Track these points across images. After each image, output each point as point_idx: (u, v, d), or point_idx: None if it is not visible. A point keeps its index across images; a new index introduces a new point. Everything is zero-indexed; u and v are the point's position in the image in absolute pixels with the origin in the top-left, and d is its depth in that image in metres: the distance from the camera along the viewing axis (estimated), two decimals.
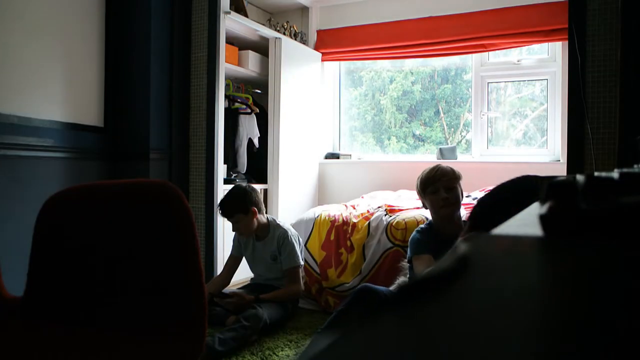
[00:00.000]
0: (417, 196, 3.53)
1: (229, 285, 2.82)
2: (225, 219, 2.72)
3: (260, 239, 2.71)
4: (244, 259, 2.84)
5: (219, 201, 2.69)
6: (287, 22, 4.10)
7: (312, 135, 4.19)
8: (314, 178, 4.22)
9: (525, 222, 0.52)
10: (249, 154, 3.84)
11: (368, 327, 0.23)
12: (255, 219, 2.62)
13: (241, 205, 2.57)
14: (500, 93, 4.00)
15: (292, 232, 2.73)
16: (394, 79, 4.39)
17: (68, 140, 2.72)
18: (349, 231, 2.94)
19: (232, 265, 2.81)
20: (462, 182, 3.75)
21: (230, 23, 3.41)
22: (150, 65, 3.00)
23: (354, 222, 2.95)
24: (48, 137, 2.61)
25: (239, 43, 3.82)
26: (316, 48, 4.30)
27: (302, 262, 2.73)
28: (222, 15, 3.23)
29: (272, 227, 2.70)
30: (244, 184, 3.15)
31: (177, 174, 3.19)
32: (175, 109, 3.17)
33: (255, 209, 2.61)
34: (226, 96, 3.60)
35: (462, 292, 0.27)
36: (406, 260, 2.36)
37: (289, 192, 3.86)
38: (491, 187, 3.11)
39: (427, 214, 2.91)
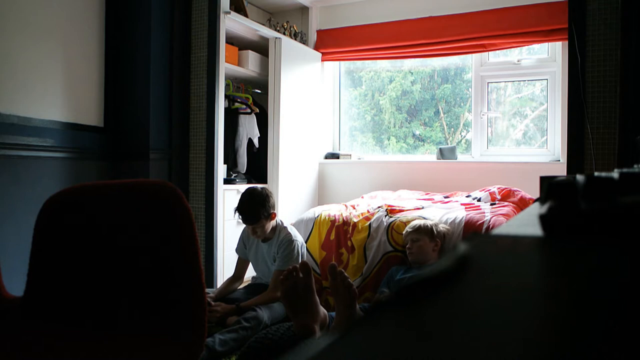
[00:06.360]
0: (416, 196, 3.56)
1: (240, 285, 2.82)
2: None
3: (267, 240, 2.69)
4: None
5: (237, 206, 2.58)
6: (287, 22, 4.10)
7: (312, 135, 4.19)
8: (314, 178, 4.22)
9: (525, 222, 0.52)
10: (249, 154, 3.84)
11: (368, 327, 0.23)
12: (273, 221, 2.62)
13: (266, 211, 2.55)
14: (500, 93, 4.00)
15: (299, 239, 2.70)
16: (394, 79, 4.39)
17: (68, 140, 2.72)
18: (350, 231, 2.94)
19: (240, 267, 2.80)
20: (460, 185, 3.74)
21: (230, 23, 3.41)
22: (150, 65, 2.99)
23: (355, 222, 2.95)
24: (48, 137, 2.61)
25: (239, 43, 3.82)
26: (316, 48, 4.30)
27: None
28: (222, 15, 3.23)
29: (278, 229, 2.68)
30: (247, 184, 3.13)
31: (177, 174, 3.19)
32: (175, 109, 3.17)
33: (275, 212, 2.61)
34: (226, 96, 3.60)
35: (462, 292, 0.27)
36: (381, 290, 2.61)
37: (289, 192, 3.86)
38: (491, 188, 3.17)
39: (426, 214, 2.92)
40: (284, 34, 3.93)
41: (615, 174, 0.44)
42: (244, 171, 3.81)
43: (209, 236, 3.18)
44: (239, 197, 2.67)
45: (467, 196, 3.39)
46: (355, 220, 2.97)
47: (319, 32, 4.36)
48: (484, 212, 2.87)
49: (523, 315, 0.24)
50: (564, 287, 0.28)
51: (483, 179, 3.64)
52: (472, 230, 2.67)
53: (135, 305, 1.33)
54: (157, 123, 3.05)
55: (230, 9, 3.34)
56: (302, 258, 2.64)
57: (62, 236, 1.46)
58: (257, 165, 3.90)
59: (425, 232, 2.61)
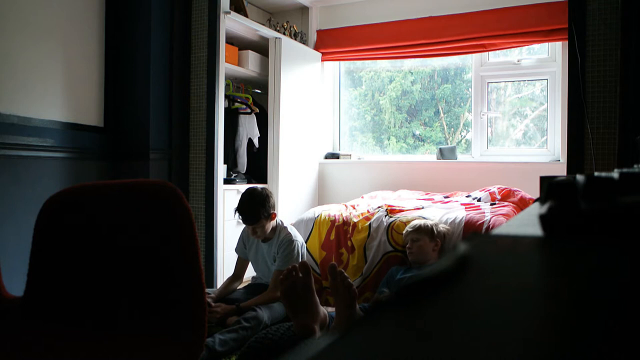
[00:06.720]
0: (416, 196, 3.56)
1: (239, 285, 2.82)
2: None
3: (267, 240, 2.69)
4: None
5: (237, 206, 2.58)
6: (287, 22, 4.10)
7: (312, 135, 4.19)
8: (314, 178, 4.22)
9: (525, 222, 0.52)
10: (249, 154, 3.84)
11: (368, 327, 0.23)
12: (273, 221, 2.62)
13: (265, 211, 2.54)
14: (500, 93, 4.00)
15: (299, 239, 2.70)
16: (394, 79, 4.39)
17: (68, 140, 2.72)
18: (350, 231, 2.94)
19: (240, 266, 2.80)
20: (460, 185, 3.74)
21: (230, 23, 3.41)
22: (150, 65, 2.99)
23: (355, 222, 2.95)
24: (48, 137, 2.61)
25: (239, 43, 3.82)
26: (316, 48, 4.30)
27: None
28: (222, 15, 3.23)
29: (278, 229, 2.68)
30: (247, 184, 3.13)
31: (177, 174, 3.19)
32: (175, 109, 3.17)
33: (275, 212, 2.61)
34: (226, 96, 3.60)
35: (462, 292, 0.27)
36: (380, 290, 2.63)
37: (289, 192, 3.86)
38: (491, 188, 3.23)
39: (426, 214, 2.92)
40: (284, 34, 3.93)
41: (615, 174, 0.44)
42: (244, 171, 3.81)
43: (209, 236, 3.18)
44: (239, 197, 2.67)
45: (467, 196, 3.39)
46: (355, 220, 2.97)
47: (319, 32, 4.36)
48: (484, 212, 2.87)
49: (523, 315, 0.24)
50: (564, 287, 0.28)
51: (483, 179, 3.64)
52: (472, 230, 2.67)
53: (135, 305, 1.33)
54: (157, 123, 3.05)
55: (230, 9, 3.34)
56: (302, 258, 2.64)
57: (62, 236, 1.46)
58: (257, 165, 3.90)
59: (425, 232, 2.62)
